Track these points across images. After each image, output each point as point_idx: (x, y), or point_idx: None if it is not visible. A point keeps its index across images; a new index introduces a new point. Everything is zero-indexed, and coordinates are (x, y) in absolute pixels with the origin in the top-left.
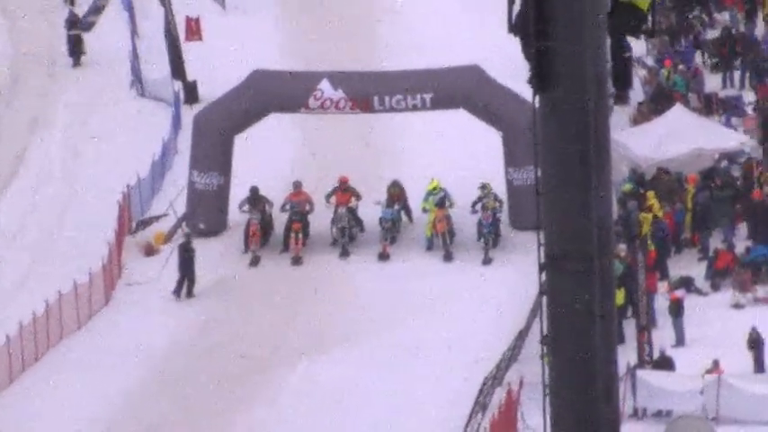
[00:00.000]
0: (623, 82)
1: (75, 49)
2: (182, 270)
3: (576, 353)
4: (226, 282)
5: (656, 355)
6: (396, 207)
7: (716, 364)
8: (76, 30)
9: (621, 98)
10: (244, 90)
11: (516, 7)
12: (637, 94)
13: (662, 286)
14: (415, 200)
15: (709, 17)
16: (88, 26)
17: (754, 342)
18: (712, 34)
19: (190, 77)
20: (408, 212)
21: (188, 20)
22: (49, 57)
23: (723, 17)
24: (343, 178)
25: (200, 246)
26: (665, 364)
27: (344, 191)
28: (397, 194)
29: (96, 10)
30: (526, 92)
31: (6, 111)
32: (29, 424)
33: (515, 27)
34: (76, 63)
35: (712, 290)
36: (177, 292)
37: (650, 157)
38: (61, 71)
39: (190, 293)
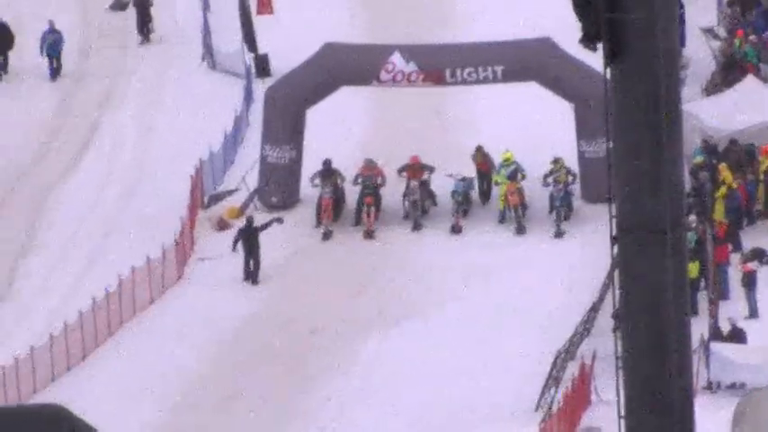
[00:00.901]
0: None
1: (144, 25)
2: (246, 254)
3: (649, 326)
4: (298, 256)
5: (724, 327)
6: (472, 178)
7: None
8: (142, 6)
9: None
10: (315, 63)
11: None
12: (709, 64)
13: (735, 258)
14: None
15: None
16: (124, 6)
17: None
18: None
19: (261, 51)
20: (489, 187)
21: None
22: (119, 32)
23: None
24: (414, 158)
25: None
26: (737, 336)
27: (416, 169)
28: (480, 162)
29: None
30: (598, 63)
31: (78, 86)
32: (101, 399)
33: None
34: (145, 39)
35: None
36: (246, 277)
37: (722, 128)
38: (132, 46)
39: (255, 279)
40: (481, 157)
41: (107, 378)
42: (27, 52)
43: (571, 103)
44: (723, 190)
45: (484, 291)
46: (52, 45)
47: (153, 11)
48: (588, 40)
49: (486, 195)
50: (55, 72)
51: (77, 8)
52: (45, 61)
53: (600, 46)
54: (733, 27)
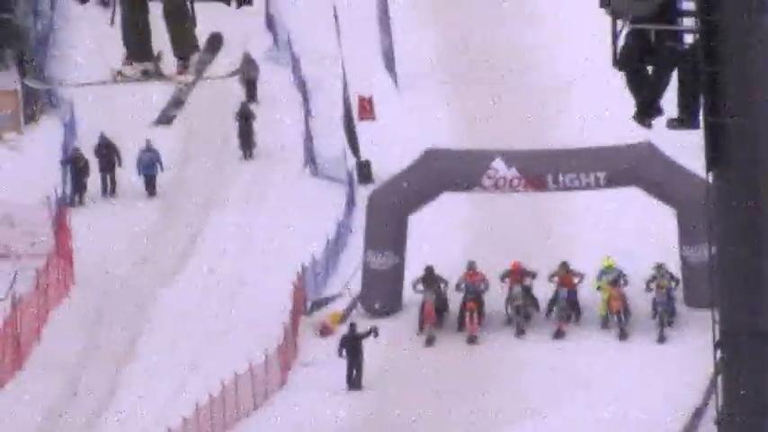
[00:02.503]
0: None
1: (247, 140)
2: (349, 361)
3: (751, 430)
4: (401, 362)
5: None
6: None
7: None
8: (244, 120)
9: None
10: (417, 169)
11: (621, 41)
12: None
13: None
14: (590, 278)
15: None
16: (168, 120)
17: None
18: None
19: (363, 156)
20: (575, 304)
21: (361, 99)
22: (222, 143)
23: None
24: (515, 264)
25: (375, 325)
26: None
27: (518, 275)
28: (563, 277)
29: (177, 103)
30: (700, 169)
31: (177, 196)
32: None
33: (620, 62)
34: (248, 155)
35: None
36: (350, 384)
37: None
38: (234, 152)
39: (358, 386)
40: (564, 272)
41: None
42: (126, 170)
43: (673, 207)
44: None
45: (586, 397)
46: (148, 164)
47: (255, 123)
48: (642, 116)
49: (575, 310)
50: (149, 191)
51: (181, 120)
52: (141, 180)
53: (655, 123)
54: None
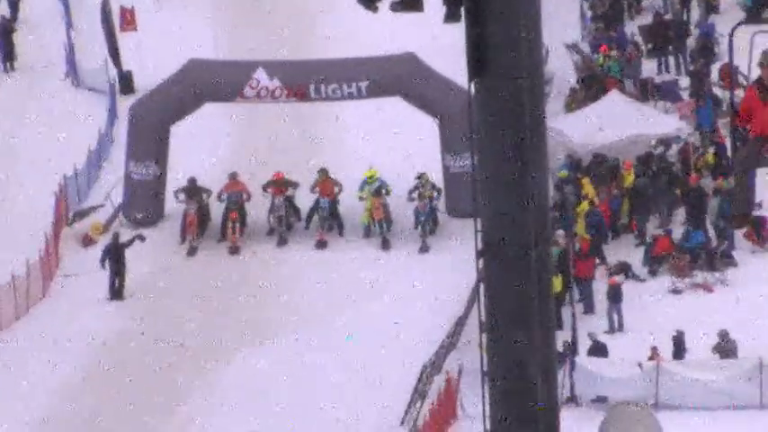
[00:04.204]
0: None
1: (8, 53)
2: (112, 271)
3: (513, 340)
4: (163, 272)
5: (586, 342)
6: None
7: (655, 350)
8: (4, 34)
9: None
10: (179, 80)
11: None
12: (570, 79)
13: (600, 272)
14: (353, 188)
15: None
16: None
17: (677, 343)
18: (646, 20)
19: (125, 67)
20: (337, 214)
21: (123, 10)
22: None
23: (655, 2)
24: (278, 174)
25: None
26: (599, 350)
27: (280, 185)
28: (321, 183)
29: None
30: (462, 80)
31: None
32: None
33: None
34: (9, 68)
35: (650, 276)
36: (112, 294)
37: (586, 143)
38: None
39: (120, 296)
40: (324, 178)
41: None
42: None
43: (435, 118)
44: (584, 205)
45: (349, 306)
46: None
47: (15, 36)
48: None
49: (337, 220)
50: None
51: None
52: None
53: (380, 6)
54: (597, 43)
